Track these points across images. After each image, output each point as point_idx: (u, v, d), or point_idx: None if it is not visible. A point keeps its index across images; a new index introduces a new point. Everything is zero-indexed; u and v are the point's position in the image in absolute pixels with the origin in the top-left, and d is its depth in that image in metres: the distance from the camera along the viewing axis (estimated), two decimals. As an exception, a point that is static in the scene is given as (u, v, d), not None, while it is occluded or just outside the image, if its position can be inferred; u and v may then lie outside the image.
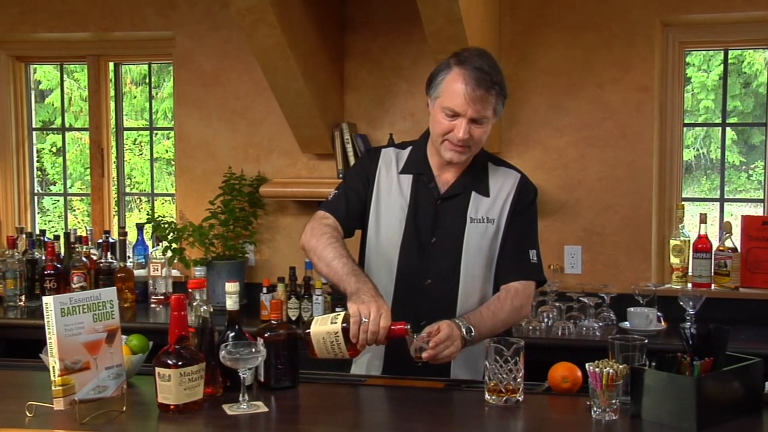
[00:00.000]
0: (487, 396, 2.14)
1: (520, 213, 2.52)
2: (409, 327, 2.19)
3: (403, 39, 4.16)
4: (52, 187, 7.18)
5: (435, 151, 2.49)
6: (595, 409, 2.00)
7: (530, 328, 3.62)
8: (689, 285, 3.93)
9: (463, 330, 2.27)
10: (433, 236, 2.48)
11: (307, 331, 2.22)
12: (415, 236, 2.48)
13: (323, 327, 2.20)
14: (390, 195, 2.52)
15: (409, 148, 2.59)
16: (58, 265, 4.19)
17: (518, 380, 2.11)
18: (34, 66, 5.18)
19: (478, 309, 2.41)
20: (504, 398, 2.11)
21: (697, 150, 7.17)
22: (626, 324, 3.66)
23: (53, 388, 2.10)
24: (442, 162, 2.49)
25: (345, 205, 2.53)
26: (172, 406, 2.05)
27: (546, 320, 3.68)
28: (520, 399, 2.11)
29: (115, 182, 4.88)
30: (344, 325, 2.18)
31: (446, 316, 2.37)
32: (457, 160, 2.43)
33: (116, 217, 4.88)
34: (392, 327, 2.16)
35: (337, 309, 3.91)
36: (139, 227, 4.51)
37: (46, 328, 2.11)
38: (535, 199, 2.59)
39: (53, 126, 6.96)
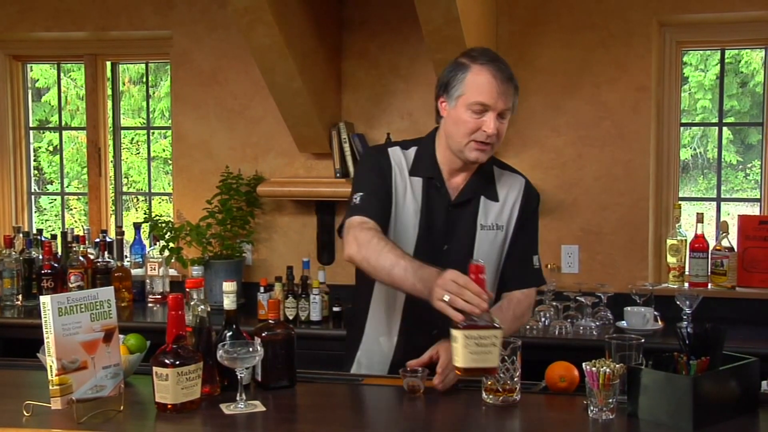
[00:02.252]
0: (484, 395, 2.15)
1: (527, 220, 2.53)
2: (478, 261, 2.09)
3: (401, 39, 4.16)
4: (48, 186, 7.18)
5: (447, 154, 2.45)
6: (591, 408, 2.01)
7: (527, 327, 3.62)
8: (686, 284, 3.94)
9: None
10: (445, 243, 2.46)
11: (457, 367, 2.04)
12: (429, 243, 2.44)
13: (453, 348, 2.06)
14: (405, 197, 2.46)
15: (414, 148, 2.52)
16: (55, 265, 4.19)
17: (515, 379, 2.11)
18: (31, 64, 5.17)
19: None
20: (501, 397, 2.12)
21: (694, 149, 7.18)
22: (623, 323, 3.66)
23: (50, 387, 2.10)
24: (453, 166, 2.46)
25: (379, 205, 2.41)
26: (169, 406, 2.05)
27: (543, 319, 3.68)
28: (517, 398, 2.11)
29: (112, 181, 4.88)
30: (453, 324, 2.05)
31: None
32: (483, 159, 2.39)
33: (113, 217, 4.88)
34: (471, 276, 2.06)
35: (334, 309, 3.92)
36: (137, 226, 4.51)
37: (44, 327, 2.11)
38: (538, 205, 2.60)
39: (49, 125, 6.96)
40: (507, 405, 2.11)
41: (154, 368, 2.06)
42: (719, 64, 4.27)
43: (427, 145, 2.51)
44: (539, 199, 2.61)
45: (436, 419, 2.12)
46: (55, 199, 6.27)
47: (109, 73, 4.82)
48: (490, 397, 2.13)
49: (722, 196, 4.23)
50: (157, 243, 4.25)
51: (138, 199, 7.11)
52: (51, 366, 2.10)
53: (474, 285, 2.03)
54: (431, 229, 2.45)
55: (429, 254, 2.42)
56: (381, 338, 2.53)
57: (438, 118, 2.47)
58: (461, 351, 1.99)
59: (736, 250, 3.91)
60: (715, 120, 4.30)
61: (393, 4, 4.12)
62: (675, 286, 3.91)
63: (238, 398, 2.10)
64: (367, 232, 2.31)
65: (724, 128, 4.36)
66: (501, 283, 2.52)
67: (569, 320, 3.65)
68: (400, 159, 2.49)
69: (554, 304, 3.71)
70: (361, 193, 2.41)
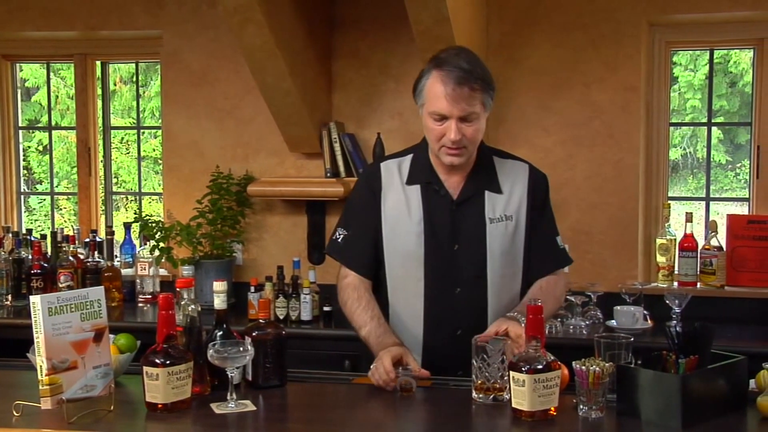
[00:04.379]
0: (474, 394, 2.15)
1: (540, 205, 2.53)
2: (536, 302, 2.09)
3: (391, 38, 4.16)
4: (38, 186, 7.15)
5: (437, 158, 2.46)
6: (581, 406, 2.02)
7: (518, 326, 3.63)
8: (675, 283, 3.95)
9: (522, 324, 2.25)
10: (455, 243, 2.45)
11: (522, 411, 2.00)
12: (437, 246, 2.44)
13: (516, 391, 2.01)
14: (401, 210, 2.46)
15: (410, 156, 2.53)
16: (45, 265, 4.17)
17: (505, 378, 2.12)
18: (20, 64, 5.16)
19: (527, 301, 2.39)
20: (491, 396, 2.13)
21: (684, 149, 7.21)
22: (613, 322, 3.68)
23: (40, 387, 2.10)
24: (447, 166, 2.45)
25: (360, 248, 2.50)
26: (159, 405, 2.05)
27: (533, 319, 3.69)
28: (507, 397, 2.12)
29: (102, 181, 4.86)
30: (517, 367, 2.02)
31: (479, 321, 2.38)
32: (457, 162, 2.39)
33: (103, 216, 4.86)
34: (529, 316, 2.06)
35: (324, 308, 3.93)
36: (127, 226, 4.50)
37: (34, 327, 2.11)
38: (548, 186, 2.59)
39: (39, 124, 6.94)
40: (497, 403, 2.12)
41: (145, 368, 2.06)
42: (708, 64, 4.28)
43: (421, 151, 2.52)
44: (548, 180, 2.59)
45: (426, 418, 2.13)
46: (45, 199, 6.24)
47: (99, 73, 4.81)
48: (480, 395, 2.14)
49: (711, 196, 4.26)
50: (147, 243, 4.24)
51: (128, 199, 7.09)
52: (41, 366, 2.10)
53: (387, 377, 2.23)
54: (437, 234, 2.44)
55: (440, 258, 2.44)
56: (410, 346, 2.48)
57: None
58: (529, 394, 1.97)
59: (724, 249, 3.92)
60: (705, 120, 4.32)
61: (383, 4, 4.12)
62: (664, 286, 3.92)
63: (228, 398, 2.10)
64: (344, 292, 2.51)
65: (714, 128, 4.38)
66: (531, 270, 2.52)
67: (559, 319, 3.66)
68: (392, 172, 2.50)
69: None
70: (346, 232, 2.53)
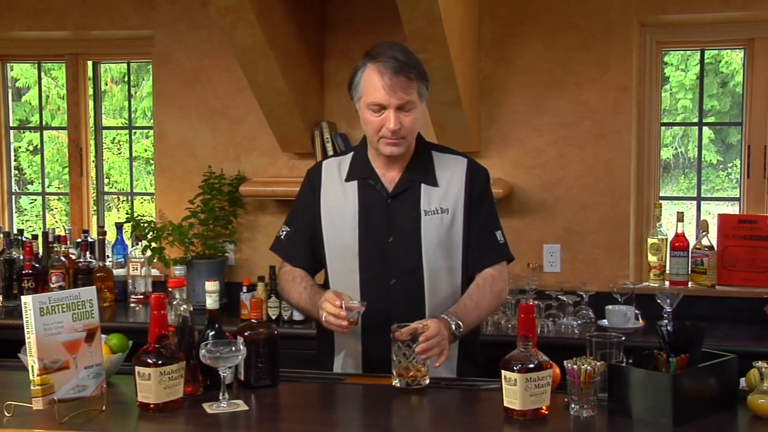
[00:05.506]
0: (394, 381, 2.27)
1: (478, 199, 2.54)
2: (528, 302, 2.14)
3: (383, 38, 4.08)
4: (29, 187, 7.13)
5: (376, 151, 2.50)
6: (573, 405, 2.02)
7: (509, 326, 3.64)
8: (666, 283, 3.96)
9: (453, 326, 2.34)
10: (389, 236, 2.49)
11: (514, 410, 2.01)
12: (371, 239, 2.49)
13: (508, 390, 2.02)
14: (338, 205, 2.54)
15: (351, 153, 2.61)
16: (36, 265, 4.16)
17: (418, 363, 2.24)
18: (11, 64, 5.14)
19: (461, 301, 2.45)
20: (405, 381, 2.25)
21: (675, 149, 7.22)
22: (604, 322, 3.68)
23: (32, 387, 2.10)
24: (384, 161, 2.51)
25: (299, 245, 2.61)
26: (151, 405, 2.05)
27: (525, 318, 3.69)
28: (426, 382, 2.25)
29: (94, 181, 4.85)
30: (508, 366, 2.04)
31: (416, 313, 2.41)
32: (397, 152, 2.43)
33: (95, 217, 4.85)
34: (521, 316, 2.10)
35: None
36: (118, 226, 4.49)
37: (25, 327, 2.10)
38: (488, 181, 2.60)
39: (30, 124, 6.92)
40: (416, 387, 2.25)
41: (137, 368, 2.06)
42: (699, 65, 4.30)
43: (361, 149, 2.59)
44: (488, 175, 2.61)
45: (419, 417, 2.13)
46: (36, 200, 6.22)
47: (90, 73, 4.80)
48: (396, 381, 2.26)
49: (702, 196, 4.27)
50: (139, 243, 4.23)
51: (119, 199, 7.07)
52: (32, 366, 2.10)
53: (335, 308, 2.30)
54: (371, 227, 2.50)
55: (375, 249, 2.50)
56: (349, 340, 2.55)
57: None
58: (521, 394, 1.98)
59: (715, 248, 3.93)
60: (696, 120, 4.33)
61: (375, 3, 4.12)
62: (656, 285, 3.93)
63: (220, 397, 2.10)
64: (281, 279, 2.66)
65: (705, 128, 4.40)
66: (469, 265, 2.54)
67: (551, 319, 3.67)
68: (332, 170, 2.59)
69: (536, 302, 3.72)
70: (288, 229, 2.65)
